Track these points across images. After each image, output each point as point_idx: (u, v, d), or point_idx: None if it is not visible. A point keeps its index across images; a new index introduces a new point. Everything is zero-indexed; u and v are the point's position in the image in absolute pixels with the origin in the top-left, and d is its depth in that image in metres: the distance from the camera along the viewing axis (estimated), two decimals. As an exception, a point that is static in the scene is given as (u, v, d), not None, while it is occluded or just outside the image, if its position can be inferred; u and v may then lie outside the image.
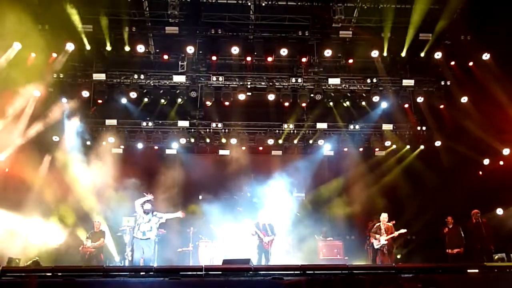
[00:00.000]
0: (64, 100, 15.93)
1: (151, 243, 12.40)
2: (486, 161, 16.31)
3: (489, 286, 9.28)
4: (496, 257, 13.03)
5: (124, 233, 15.10)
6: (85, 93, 16.03)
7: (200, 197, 17.20)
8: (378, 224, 14.25)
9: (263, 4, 15.15)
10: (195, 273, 10.02)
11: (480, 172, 16.63)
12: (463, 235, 14.15)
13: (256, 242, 13.62)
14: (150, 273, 10.08)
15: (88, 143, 16.89)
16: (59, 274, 9.84)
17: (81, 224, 15.62)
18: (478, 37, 14.81)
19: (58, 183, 15.57)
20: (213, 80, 16.48)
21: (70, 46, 14.87)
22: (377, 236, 14.05)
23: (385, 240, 13.91)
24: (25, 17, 13.22)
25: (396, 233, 14.01)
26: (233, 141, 17.21)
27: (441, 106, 16.62)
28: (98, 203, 15.96)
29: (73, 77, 16.15)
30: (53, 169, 15.98)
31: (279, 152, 18.24)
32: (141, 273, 10.11)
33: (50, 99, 15.67)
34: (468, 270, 10.14)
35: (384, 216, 14.27)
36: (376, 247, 14.11)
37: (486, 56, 14.86)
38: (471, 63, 15.55)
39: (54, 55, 15.16)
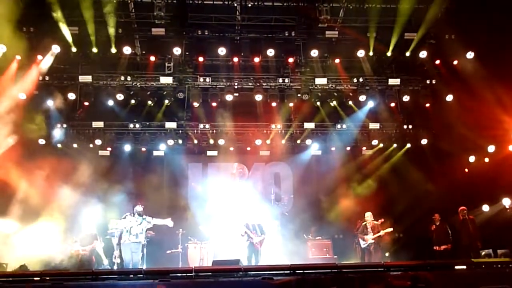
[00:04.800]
0: (50, 102, 15.81)
1: (140, 246, 12.37)
2: (471, 158, 16.47)
3: (477, 282, 9.37)
4: (483, 253, 13.16)
5: (112, 236, 14.98)
6: (72, 95, 15.94)
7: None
8: (364, 223, 14.36)
9: (249, 5, 15.14)
10: (185, 274, 10.01)
11: (466, 169, 16.78)
12: (450, 232, 14.28)
13: (246, 243, 13.64)
14: (140, 275, 10.04)
15: (75, 145, 16.76)
16: (48, 278, 9.77)
17: (68, 227, 15.48)
18: (462, 36, 14.94)
19: (45, 187, 15.41)
20: (200, 81, 16.49)
21: (55, 49, 14.76)
22: (364, 235, 14.17)
23: (372, 239, 14.02)
24: (10, 20, 13.09)
25: (382, 232, 14.15)
26: (221, 141, 17.21)
27: (427, 105, 16.76)
28: (86, 206, 15.84)
29: (59, 79, 16.05)
30: (39, 172, 15.79)
31: (267, 152, 18.25)
32: (131, 276, 10.08)
33: (36, 102, 15.53)
34: (456, 267, 10.25)
35: (368, 215, 14.39)
36: (363, 246, 14.21)
37: (470, 55, 15.01)
38: (455, 62, 15.69)
39: (40, 57, 15.04)
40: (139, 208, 12.40)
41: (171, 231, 15.62)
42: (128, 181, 16.79)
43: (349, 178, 18.01)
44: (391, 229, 14.35)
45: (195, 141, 17.44)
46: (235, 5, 15.19)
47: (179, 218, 16.30)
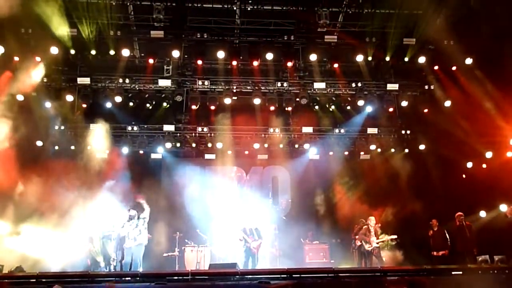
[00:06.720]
0: (48, 104, 15.79)
1: (142, 247, 12.34)
2: (469, 164, 16.51)
3: (474, 288, 9.41)
4: (480, 259, 13.16)
5: (109, 239, 14.94)
6: (70, 97, 15.90)
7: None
8: (366, 226, 14.40)
9: (249, 9, 15.11)
10: (181, 277, 10.00)
11: (464, 175, 16.82)
12: (448, 237, 14.29)
13: (243, 248, 13.62)
14: (136, 278, 10.04)
15: (73, 147, 16.73)
16: (43, 280, 9.75)
17: (65, 229, 15.43)
18: (461, 42, 14.98)
19: (42, 189, 15.35)
20: (198, 84, 16.44)
21: (54, 50, 14.72)
22: (367, 239, 14.20)
23: (377, 243, 14.09)
24: (8, 21, 13.05)
25: (388, 238, 14.28)
26: (219, 145, 17.19)
27: (425, 110, 16.76)
28: (82, 208, 15.80)
29: (57, 81, 16.01)
30: (36, 174, 15.74)
31: (265, 156, 18.24)
32: (127, 279, 10.06)
33: (33, 104, 15.49)
34: (453, 272, 10.27)
35: (372, 219, 14.48)
36: (368, 249, 14.24)
37: (469, 61, 15.04)
38: (454, 68, 15.73)
39: (38, 59, 15.01)
40: (132, 212, 12.37)
41: (168, 234, 15.67)
42: (125, 184, 16.74)
43: (347, 182, 18.01)
44: (395, 236, 14.47)
45: (193, 144, 17.39)
46: (235, 8, 15.16)
47: (176, 221, 16.30)
